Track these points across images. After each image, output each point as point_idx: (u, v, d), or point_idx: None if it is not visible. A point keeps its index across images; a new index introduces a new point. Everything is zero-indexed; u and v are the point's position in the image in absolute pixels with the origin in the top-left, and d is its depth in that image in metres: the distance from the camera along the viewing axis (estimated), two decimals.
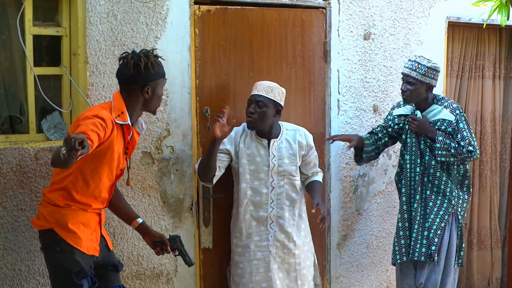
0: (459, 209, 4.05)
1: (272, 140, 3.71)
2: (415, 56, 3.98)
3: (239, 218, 3.71)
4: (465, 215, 4.14)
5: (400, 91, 4.01)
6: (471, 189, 4.14)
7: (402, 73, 3.98)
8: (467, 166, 4.07)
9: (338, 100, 4.30)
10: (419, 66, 3.88)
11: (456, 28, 4.88)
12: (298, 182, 3.77)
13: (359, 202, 4.47)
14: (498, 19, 3.58)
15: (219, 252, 3.90)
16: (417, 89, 3.91)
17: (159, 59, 3.13)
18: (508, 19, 3.53)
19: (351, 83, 4.35)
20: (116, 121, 2.97)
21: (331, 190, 4.32)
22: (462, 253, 4.10)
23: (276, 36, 4.01)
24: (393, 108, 4.21)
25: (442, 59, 4.71)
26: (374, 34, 4.40)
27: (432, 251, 3.95)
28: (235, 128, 3.65)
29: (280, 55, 4.04)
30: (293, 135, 3.78)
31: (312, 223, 3.97)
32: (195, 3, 3.73)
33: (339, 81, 4.29)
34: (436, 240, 3.96)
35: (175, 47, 3.67)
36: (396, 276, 4.20)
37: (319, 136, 4.24)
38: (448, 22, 4.70)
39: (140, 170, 3.63)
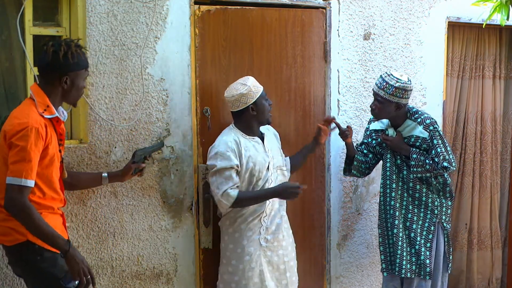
0: (444, 217, 4.04)
1: (264, 136, 3.72)
2: (386, 73, 3.90)
3: (237, 216, 3.64)
4: (450, 220, 4.14)
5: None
6: (453, 194, 4.13)
7: (372, 89, 3.96)
8: (446, 175, 4.05)
9: (338, 100, 4.30)
10: (387, 86, 3.83)
11: (456, 28, 4.88)
12: (286, 173, 3.81)
13: (359, 202, 4.47)
14: (498, 19, 3.58)
15: (219, 252, 3.89)
16: (385, 107, 3.88)
17: (83, 50, 2.99)
18: (508, 19, 3.53)
19: (351, 83, 4.35)
20: (44, 115, 2.85)
21: (331, 190, 4.32)
22: (451, 257, 4.12)
23: (276, 36, 4.02)
24: (369, 122, 4.20)
25: (442, 59, 4.71)
26: (374, 34, 4.40)
27: (425, 266, 3.94)
28: (225, 138, 3.58)
29: (280, 55, 4.04)
30: (268, 130, 3.81)
31: (312, 223, 3.97)
32: (195, 3, 3.73)
33: (339, 81, 4.29)
34: (428, 253, 3.97)
35: (175, 47, 3.67)
36: (383, 278, 4.20)
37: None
38: (448, 22, 4.70)
39: None
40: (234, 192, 3.51)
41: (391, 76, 3.86)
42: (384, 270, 4.06)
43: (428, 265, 3.96)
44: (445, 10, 4.67)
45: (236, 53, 3.89)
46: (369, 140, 4.16)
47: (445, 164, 3.86)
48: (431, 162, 3.87)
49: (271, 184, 3.65)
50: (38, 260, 2.85)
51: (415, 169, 3.91)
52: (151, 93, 3.64)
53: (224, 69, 3.86)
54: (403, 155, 3.98)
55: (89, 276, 2.84)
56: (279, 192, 3.55)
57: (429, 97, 4.66)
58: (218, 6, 3.81)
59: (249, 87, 3.56)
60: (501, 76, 5.17)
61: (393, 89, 3.82)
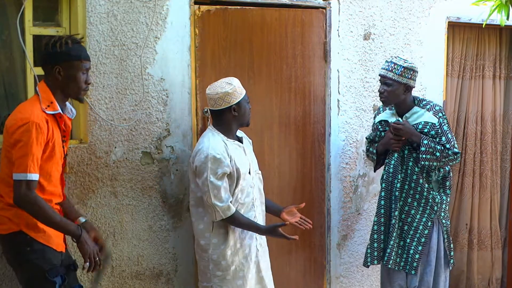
0: (442, 214, 4.02)
1: (243, 141, 3.61)
2: (391, 57, 3.94)
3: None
4: (448, 216, 4.11)
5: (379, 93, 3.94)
6: (451, 187, 4.12)
7: (379, 75, 3.93)
8: (447, 168, 4.02)
9: (338, 100, 4.30)
10: (395, 66, 3.83)
11: (456, 28, 4.89)
12: (261, 177, 3.67)
13: (359, 202, 4.47)
14: (497, 19, 3.58)
15: None
16: (394, 90, 3.85)
17: (80, 43, 3.00)
18: (508, 18, 3.53)
19: (351, 83, 4.35)
20: (47, 111, 2.91)
21: (331, 190, 4.32)
22: (452, 253, 4.09)
23: (276, 36, 4.02)
24: (374, 117, 4.17)
25: (442, 59, 4.71)
26: (374, 34, 4.40)
27: (413, 261, 3.92)
28: (212, 141, 3.39)
29: (280, 55, 4.04)
30: (243, 134, 3.68)
31: (312, 223, 3.95)
32: (195, 3, 3.73)
33: (339, 81, 4.29)
34: (420, 248, 3.93)
35: (175, 47, 3.67)
36: (382, 277, 4.15)
37: (319, 136, 4.24)
38: (448, 22, 4.70)
39: (140, 170, 3.64)
40: (232, 209, 3.39)
41: (398, 58, 3.89)
42: (370, 262, 4.01)
43: (416, 259, 3.92)
44: (445, 10, 4.67)
45: (236, 53, 3.89)
46: (377, 133, 4.10)
47: (456, 150, 3.86)
48: (442, 148, 3.84)
49: (254, 188, 3.54)
50: (27, 251, 2.91)
51: (424, 156, 3.84)
52: (151, 93, 3.64)
53: (224, 69, 3.86)
54: (411, 145, 3.95)
55: (97, 258, 3.00)
56: (270, 231, 3.47)
57: (429, 97, 4.64)
58: (218, 6, 3.81)
59: (234, 87, 3.43)
60: (501, 76, 5.17)
61: (402, 69, 3.83)
